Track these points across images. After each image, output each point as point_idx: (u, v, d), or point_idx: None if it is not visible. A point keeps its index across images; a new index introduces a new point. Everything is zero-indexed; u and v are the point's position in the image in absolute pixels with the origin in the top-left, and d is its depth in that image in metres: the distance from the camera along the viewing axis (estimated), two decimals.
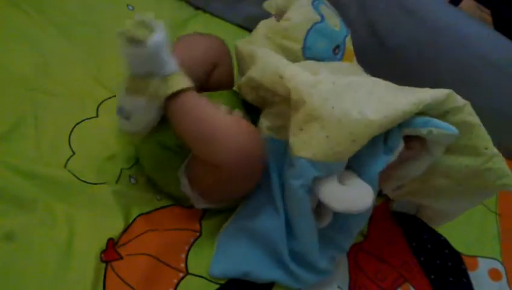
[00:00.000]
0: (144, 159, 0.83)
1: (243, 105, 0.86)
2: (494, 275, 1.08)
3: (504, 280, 1.08)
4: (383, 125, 0.69)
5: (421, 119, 0.72)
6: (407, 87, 0.77)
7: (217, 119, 0.71)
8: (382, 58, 1.18)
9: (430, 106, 0.72)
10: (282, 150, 0.77)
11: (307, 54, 0.86)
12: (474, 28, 1.22)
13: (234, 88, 0.91)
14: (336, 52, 0.88)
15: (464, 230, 1.10)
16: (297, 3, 0.87)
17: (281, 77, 0.74)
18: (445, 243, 1.05)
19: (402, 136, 0.73)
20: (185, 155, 0.78)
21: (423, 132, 0.72)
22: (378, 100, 0.71)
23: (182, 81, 0.69)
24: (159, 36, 0.64)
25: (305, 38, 0.85)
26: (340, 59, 0.89)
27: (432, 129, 0.71)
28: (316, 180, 0.71)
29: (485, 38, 1.21)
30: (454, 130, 0.72)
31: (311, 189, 0.72)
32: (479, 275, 1.05)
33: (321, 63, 0.85)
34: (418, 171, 0.81)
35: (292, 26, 0.84)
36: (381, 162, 0.73)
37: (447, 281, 0.99)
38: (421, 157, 0.78)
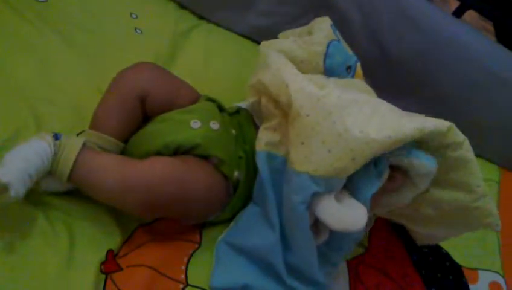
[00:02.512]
0: None
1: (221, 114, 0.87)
2: (495, 288, 1.08)
3: None
4: (384, 145, 0.69)
5: (403, 149, 0.72)
6: (410, 113, 0.78)
7: (107, 181, 0.70)
8: (385, 71, 1.18)
9: (431, 136, 0.72)
10: (279, 165, 0.77)
11: (327, 62, 0.90)
12: (476, 40, 1.22)
13: (208, 96, 0.90)
14: (348, 72, 0.92)
15: (465, 243, 1.10)
16: (319, 26, 0.94)
17: (287, 86, 0.74)
18: (446, 256, 1.06)
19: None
20: None
21: (404, 161, 0.73)
22: (382, 120, 0.71)
23: (67, 161, 0.69)
24: (14, 190, 0.63)
25: (327, 46, 0.90)
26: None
27: (413, 160, 0.72)
28: (314, 196, 0.71)
29: (488, 51, 1.22)
30: (433, 164, 0.73)
31: (310, 205, 0.72)
32: (480, 288, 1.05)
33: (331, 78, 0.87)
34: (404, 199, 0.81)
35: (318, 36, 0.91)
36: (374, 185, 0.73)
37: None
38: (404, 188, 0.79)
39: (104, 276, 0.71)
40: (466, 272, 1.05)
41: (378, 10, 1.16)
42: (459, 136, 0.75)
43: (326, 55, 0.90)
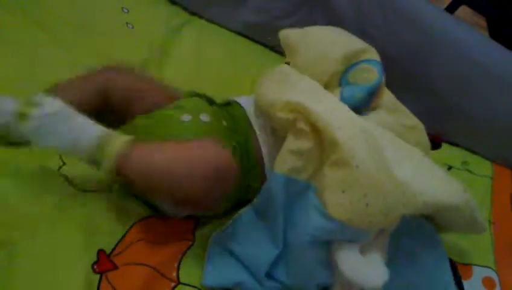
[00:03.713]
0: None
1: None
2: (488, 283, 1.07)
3: (498, 288, 1.07)
4: (417, 209, 0.73)
5: None
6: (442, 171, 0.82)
7: (173, 158, 0.70)
8: None
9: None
10: (299, 190, 0.75)
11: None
12: (470, 35, 1.22)
13: (193, 92, 0.90)
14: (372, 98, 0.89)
15: (458, 238, 1.10)
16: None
17: (340, 128, 0.72)
18: None
19: None
20: None
21: None
22: (422, 182, 0.74)
23: (114, 146, 0.68)
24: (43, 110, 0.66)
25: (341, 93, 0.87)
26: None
27: None
28: (337, 243, 0.72)
29: (481, 46, 1.21)
30: None
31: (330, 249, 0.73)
32: (473, 283, 1.04)
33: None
34: None
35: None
36: None
37: None
38: None
39: (98, 276, 0.71)
40: (459, 268, 1.04)
41: (371, 6, 1.15)
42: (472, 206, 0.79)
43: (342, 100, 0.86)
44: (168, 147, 0.72)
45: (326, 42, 0.91)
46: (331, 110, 0.76)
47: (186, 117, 0.79)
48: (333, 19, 0.97)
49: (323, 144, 0.74)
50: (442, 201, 0.74)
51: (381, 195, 0.69)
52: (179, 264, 0.78)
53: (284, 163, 0.75)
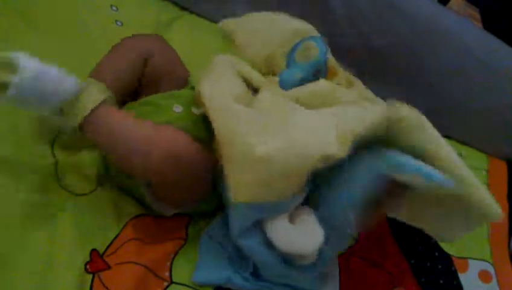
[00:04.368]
0: (112, 169, 0.81)
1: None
2: (485, 276, 1.07)
3: (494, 281, 1.07)
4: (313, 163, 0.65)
5: (413, 166, 0.66)
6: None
7: (133, 133, 0.70)
8: (368, 59, 1.17)
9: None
10: None
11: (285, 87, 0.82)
12: (463, 27, 1.21)
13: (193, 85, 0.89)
14: (318, 76, 0.84)
15: None
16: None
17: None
18: (435, 245, 1.05)
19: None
20: None
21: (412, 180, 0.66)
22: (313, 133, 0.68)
23: (88, 102, 0.68)
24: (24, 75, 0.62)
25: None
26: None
27: (422, 178, 0.65)
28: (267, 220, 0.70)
29: (475, 38, 1.21)
30: (450, 183, 0.67)
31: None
32: (470, 277, 1.05)
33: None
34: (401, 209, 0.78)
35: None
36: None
37: (437, 284, 0.99)
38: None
39: (90, 276, 0.70)
40: (455, 261, 1.05)
41: None
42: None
43: (280, 82, 0.82)
44: (135, 121, 0.72)
45: (264, 23, 0.90)
46: (221, 90, 0.74)
47: (178, 108, 0.79)
48: (321, 13, 0.95)
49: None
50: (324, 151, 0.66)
51: (276, 162, 0.65)
52: (172, 263, 0.78)
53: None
